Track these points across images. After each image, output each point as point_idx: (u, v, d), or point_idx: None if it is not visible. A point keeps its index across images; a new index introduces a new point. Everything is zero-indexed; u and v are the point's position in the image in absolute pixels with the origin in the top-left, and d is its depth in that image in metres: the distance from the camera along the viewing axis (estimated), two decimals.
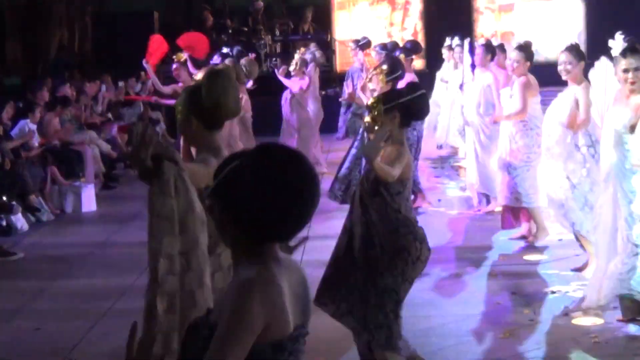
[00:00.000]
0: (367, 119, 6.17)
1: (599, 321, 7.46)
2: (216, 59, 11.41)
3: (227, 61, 11.94)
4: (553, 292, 8.29)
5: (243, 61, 12.90)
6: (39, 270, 10.03)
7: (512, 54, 9.88)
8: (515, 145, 9.84)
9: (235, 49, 15.30)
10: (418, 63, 18.98)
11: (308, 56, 15.34)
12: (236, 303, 2.89)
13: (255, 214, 2.91)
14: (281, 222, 2.95)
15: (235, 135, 11.00)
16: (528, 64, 9.81)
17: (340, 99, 15.56)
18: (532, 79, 9.83)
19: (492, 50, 11.66)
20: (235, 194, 2.94)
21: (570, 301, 8.02)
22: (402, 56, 11.77)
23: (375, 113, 6.05)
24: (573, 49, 8.64)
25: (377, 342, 6.03)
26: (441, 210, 12.07)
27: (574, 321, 7.52)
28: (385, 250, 5.99)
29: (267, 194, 2.89)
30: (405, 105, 6.04)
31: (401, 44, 14.21)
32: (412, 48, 13.36)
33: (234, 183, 2.95)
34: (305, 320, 3.06)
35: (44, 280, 9.59)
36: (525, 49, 9.85)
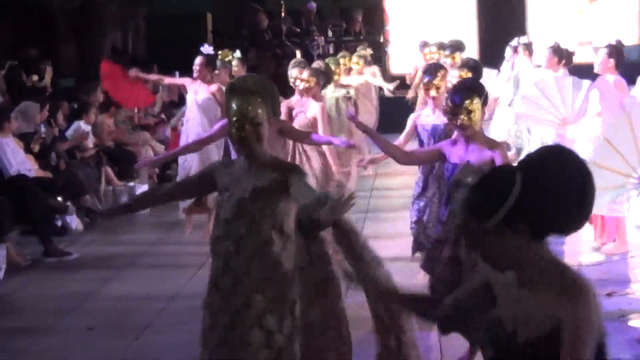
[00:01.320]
0: (463, 116, 6.40)
1: None
2: (199, 60, 11.12)
3: (320, 62, 11.83)
4: (609, 295, 8.18)
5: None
6: (93, 271, 10.09)
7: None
8: None
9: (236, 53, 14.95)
10: None
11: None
12: (579, 311, 2.94)
13: (552, 213, 3.03)
14: (571, 216, 3.09)
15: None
16: (612, 61, 9.71)
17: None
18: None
19: (560, 53, 11.54)
20: (534, 200, 3.01)
21: (626, 303, 7.92)
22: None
23: (474, 107, 6.35)
24: None
25: None
26: None
27: (631, 323, 7.43)
28: None
29: (560, 193, 3.01)
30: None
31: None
32: (454, 46, 13.33)
33: (531, 191, 3.02)
34: None
35: (97, 280, 9.65)
36: (614, 47, 9.76)
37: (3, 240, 10.12)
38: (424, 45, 16.00)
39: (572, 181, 3.01)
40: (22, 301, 9.15)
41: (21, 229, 10.77)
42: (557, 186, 2.99)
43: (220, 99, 10.36)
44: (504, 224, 3.02)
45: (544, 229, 3.09)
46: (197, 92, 10.86)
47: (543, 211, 3.01)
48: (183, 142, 10.77)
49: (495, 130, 14.68)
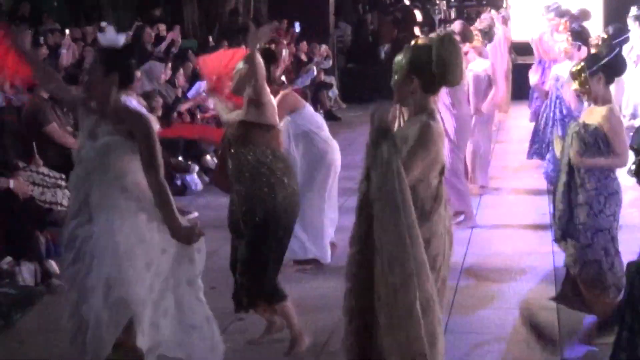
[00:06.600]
0: (575, 86, 6.76)
1: None
2: None
3: (457, 23, 11.64)
4: None
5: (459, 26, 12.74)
6: (213, 230, 10.08)
7: None
8: None
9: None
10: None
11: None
12: None
13: None
14: None
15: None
16: None
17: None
18: None
19: None
20: None
21: None
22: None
23: (582, 79, 6.57)
24: None
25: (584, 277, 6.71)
26: None
27: None
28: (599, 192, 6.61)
29: None
30: (607, 66, 6.56)
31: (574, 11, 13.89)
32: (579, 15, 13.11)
33: None
34: None
35: (217, 240, 9.69)
36: None
37: None
38: (548, 10, 15.75)
39: None
40: None
41: None
42: None
43: None
44: None
45: None
46: None
47: None
48: None
49: None
